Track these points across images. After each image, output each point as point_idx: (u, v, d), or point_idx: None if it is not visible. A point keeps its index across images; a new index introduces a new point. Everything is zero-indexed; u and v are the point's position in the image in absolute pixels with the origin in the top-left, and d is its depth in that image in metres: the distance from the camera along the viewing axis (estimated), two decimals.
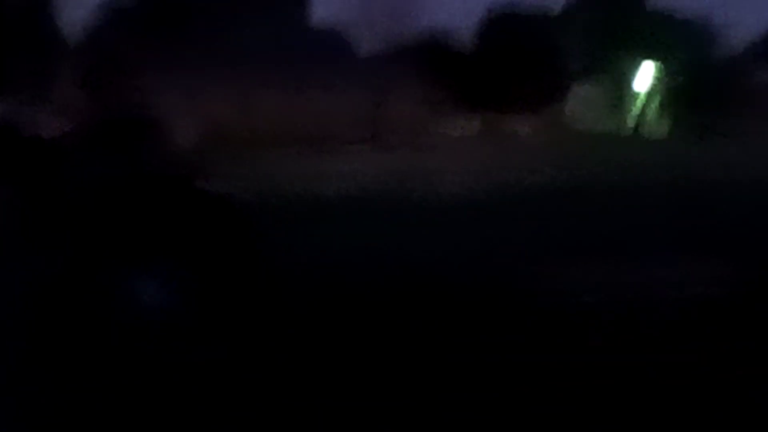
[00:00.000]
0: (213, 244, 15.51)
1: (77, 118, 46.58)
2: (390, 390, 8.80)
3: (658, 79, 53.29)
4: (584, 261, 15.63)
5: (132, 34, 56.31)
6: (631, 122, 53.78)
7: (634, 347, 10.39)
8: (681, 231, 17.98)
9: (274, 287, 13.43)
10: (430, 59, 53.62)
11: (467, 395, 8.83)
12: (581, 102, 55.00)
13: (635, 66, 54.26)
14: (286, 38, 51.62)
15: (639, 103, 54.50)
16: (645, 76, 53.60)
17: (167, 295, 11.63)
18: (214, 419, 8.13)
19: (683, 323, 11.28)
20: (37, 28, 52.88)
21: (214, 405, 8.46)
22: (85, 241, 12.29)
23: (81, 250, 10.34)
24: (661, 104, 53.03)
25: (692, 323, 11.21)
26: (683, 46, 52.55)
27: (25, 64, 49.97)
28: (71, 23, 57.24)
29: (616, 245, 17.10)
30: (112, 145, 39.56)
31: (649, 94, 53.89)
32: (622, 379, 8.97)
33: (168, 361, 9.80)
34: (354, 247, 17.65)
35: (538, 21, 56.95)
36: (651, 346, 10.50)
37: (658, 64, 52.78)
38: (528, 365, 9.45)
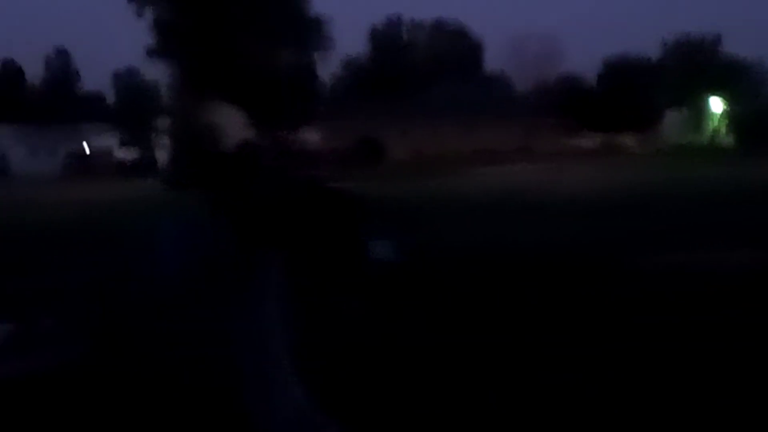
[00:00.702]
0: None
1: (331, 141, 65.04)
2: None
3: (726, 108, 70.87)
4: (679, 248, 16.01)
5: (362, 88, 75.26)
6: (708, 138, 70.93)
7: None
8: (749, 222, 19.19)
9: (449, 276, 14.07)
10: (565, 95, 72.36)
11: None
12: (673, 123, 72.85)
13: (710, 97, 71.86)
14: (463, 88, 70.45)
15: (713, 124, 72.19)
16: (717, 105, 71.53)
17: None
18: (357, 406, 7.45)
19: None
20: (307, 83, 71.58)
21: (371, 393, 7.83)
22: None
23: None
24: (729, 126, 70.17)
25: None
26: (743, 84, 69.18)
27: (297, 105, 68.74)
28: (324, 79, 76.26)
29: (703, 234, 18.00)
30: (354, 161, 56.05)
31: (720, 119, 71.61)
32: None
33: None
34: (510, 234, 19.12)
35: (642, 66, 75.88)
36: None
37: (726, 96, 70.42)
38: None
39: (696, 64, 72.36)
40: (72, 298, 13.88)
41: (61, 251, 21.09)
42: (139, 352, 10.66)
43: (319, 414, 6.31)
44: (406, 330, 10.74)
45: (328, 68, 79.26)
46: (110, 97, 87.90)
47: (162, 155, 68.83)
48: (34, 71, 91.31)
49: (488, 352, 9.20)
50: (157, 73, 72.91)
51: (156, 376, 9.49)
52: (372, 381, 8.38)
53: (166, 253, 16.29)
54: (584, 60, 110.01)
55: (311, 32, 68.29)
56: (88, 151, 74.88)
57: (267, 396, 6.98)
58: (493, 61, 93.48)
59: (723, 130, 71.54)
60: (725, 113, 71.82)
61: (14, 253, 21.29)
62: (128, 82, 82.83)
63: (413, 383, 8.25)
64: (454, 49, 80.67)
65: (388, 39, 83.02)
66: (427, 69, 76.54)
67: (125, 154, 71.92)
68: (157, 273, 15.67)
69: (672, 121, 73.47)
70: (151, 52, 67.36)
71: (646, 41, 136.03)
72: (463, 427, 7.13)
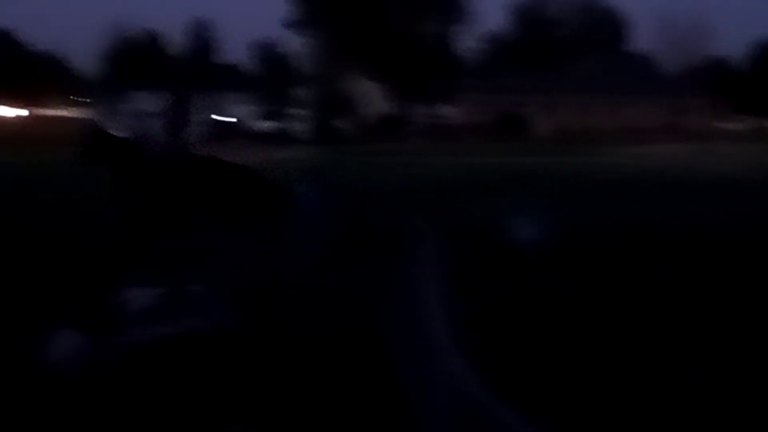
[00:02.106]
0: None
1: (473, 116, 67.23)
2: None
3: None
4: None
5: (506, 62, 76.86)
6: None
7: None
8: None
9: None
10: (714, 77, 70.68)
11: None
12: None
13: None
14: (610, 64, 70.21)
15: None
16: None
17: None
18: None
19: None
20: (449, 57, 73.71)
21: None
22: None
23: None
24: None
25: None
26: None
27: (439, 79, 69.74)
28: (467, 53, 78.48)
29: None
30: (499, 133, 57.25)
31: None
32: None
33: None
34: (655, 213, 19.24)
35: None
36: None
37: None
38: None
39: None
40: (223, 264, 11.44)
41: (207, 215, 19.77)
42: (290, 320, 10.17)
43: (485, 393, 6.04)
44: (555, 308, 10.47)
45: (471, 42, 79.87)
46: (249, 68, 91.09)
47: (297, 125, 72.44)
48: (174, 40, 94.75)
49: (638, 333, 9.08)
50: (295, 44, 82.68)
51: (305, 345, 9.26)
52: (529, 358, 8.17)
53: (306, 218, 14.79)
54: (735, 41, 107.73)
55: (455, 5, 73.90)
56: (225, 119, 76.64)
57: (422, 371, 6.82)
58: (641, 39, 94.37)
59: None
60: None
61: (163, 216, 19.49)
62: (266, 53, 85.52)
63: (573, 360, 8.06)
64: (601, 26, 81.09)
65: (533, 14, 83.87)
66: (572, 45, 76.84)
67: (261, 123, 73.84)
68: (299, 240, 14.20)
69: None
70: (290, 23, 74.66)
71: None
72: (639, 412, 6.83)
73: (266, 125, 73.44)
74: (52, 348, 8.76)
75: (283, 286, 10.97)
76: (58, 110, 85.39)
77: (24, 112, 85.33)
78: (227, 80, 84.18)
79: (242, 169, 17.65)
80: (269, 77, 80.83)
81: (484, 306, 9.93)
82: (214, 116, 77.59)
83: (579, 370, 7.83)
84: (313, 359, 8.76)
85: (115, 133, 12.09)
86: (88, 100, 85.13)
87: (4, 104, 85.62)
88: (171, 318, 9.25)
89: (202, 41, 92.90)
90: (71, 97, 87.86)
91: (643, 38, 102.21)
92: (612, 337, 9.18)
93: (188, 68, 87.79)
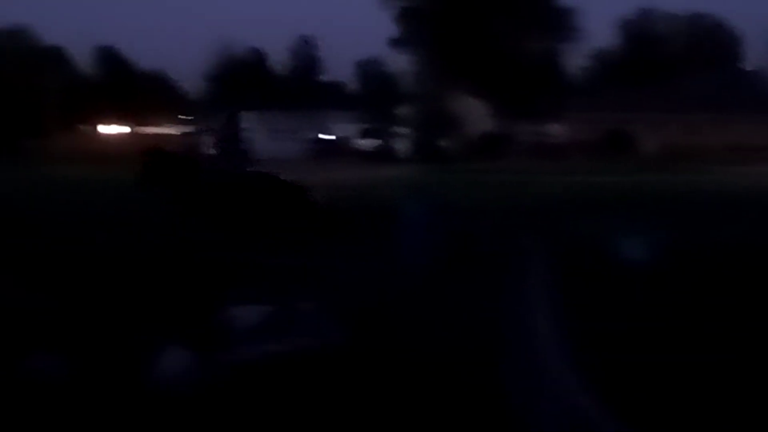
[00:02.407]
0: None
1: (579, 133, 67.17)
2: None
3: None
4: None
5: (612, 80, 76.35)
6: None
7: None
8: None
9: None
10: None
11: None
12: None
13: None
14: (718, 81, 69.15)
15: None
16: None
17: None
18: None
19: None
20: (555, 74, 73.61)
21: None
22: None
23: None
24: None
25: None
26: None
27: (545, 97, 70.10)
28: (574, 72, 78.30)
29: None
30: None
31: None
32: None
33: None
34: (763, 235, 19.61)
35: None
36: None
37: None
38: None
39: None
40: (328, 282, 13.90)
41: (309, 235, 21.04)
42: (397, 338, 10.73)
43: (594, 409, 5.90)
44: (661, 325, 10.65)
45: (578, 59, 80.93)
46: (352, 86, 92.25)
47: (400, 143, 74.57)
48: (279, 59, 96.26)
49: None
50: (399, 62, 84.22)
51: (414, 362, 9.56)
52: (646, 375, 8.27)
53: (411, 237, 16.60)
54: None
55: (560, 22, 75.36)
56: (328, 137, 78.60)
57: (531, 386, 6.81)
58: (752, 55, 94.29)
59: None
60: None
61: (269, 234, 21.05)
62: (370, 72, 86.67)
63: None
64: (710, 42, 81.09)
65: (641, 30, 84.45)
66: (681, 62, 76.76)
67: (364, 141, 75.61)
68: (404, 259, 15.92)
69: None
70: (395, 42, 76.55)
71: None
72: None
73: (370, 143, 74.80)
74: (161, 365, 9.36)
75: (391, 305, 12.54)
76: (162, 128, 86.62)
77: (126, 130, 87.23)
78: (331, 98, 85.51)
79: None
80: (373, 95, 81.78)
81: (590, 322, 9.97)
82: (318, 134, 79.23)
83: (689, 388, 7.90)
84: (422, 376, 9.01)
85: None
86: (192, 118, 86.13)
87: (108, 122, 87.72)
88: (279, 336, 10.21)
89: (307, 60, 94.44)
90: (175, 115, 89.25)
91: (755, 54, 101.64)
92: (722, 353, 9.30)
93: (293, 87, 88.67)
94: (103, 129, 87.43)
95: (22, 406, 8.75)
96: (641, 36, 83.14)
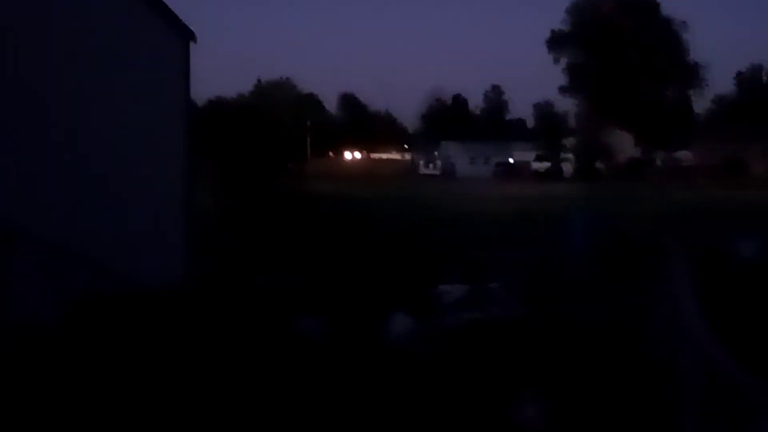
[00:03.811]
0: None
1: (703, 159, 73.42)
2: None
3: None
4: None
5: (730, 118, 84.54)
6: None
7: None
8: None
9: None
10: None
11: None
12: None
13: None
14: None
15: None
16: None
17: None
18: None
19: None
20: (685, 113, 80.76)
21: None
22: None
23: None
24: None
25: None
26: None
27: (677, 131, 76.76)
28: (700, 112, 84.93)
29: None
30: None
31: None
32: None
33: None
34: None
35: None
36: None
37: None
38: None
39: None
40: (512, 269, 15.02)
41: (499, 232, 24.43)
42: (566, 313, 11.67)
43: (730, 363, 6.18)
44: None
45: (703, 102, 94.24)
46: (530, 123, 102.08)
47: (566, 166, 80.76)
48: (476, 102, 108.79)
49: None
50: (567, 105, 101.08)
51: (578, 328, 10.63)
52: None
53: (577, 235, 17.93)
54: None
55: (691, 75, 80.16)
56: (512, 162, 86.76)
57: (679, 344, 7.35)
58: None
59: None
60: None
61: (468, 233, 24.43)
62: (544, 111, 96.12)
63: None
64: None
65: (751, 81, 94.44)
66: None
67: (539, 165, 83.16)
68: (572, 252, 17.33)
69: None
70: (564, 89, 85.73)
71: None
72: None
73: (543, 166, 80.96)
74: (393, 327, 11.29)
75: (562, 288, 14.44)
76: (386, 154, 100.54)
77: (359, 155, 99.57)
78: (514, 132, 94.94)
79: None
80: (546, 129, 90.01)
81: (723, 310, 10.73)
82: (504, 159, 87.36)
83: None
84: (585, 338, 10.15)
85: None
86: (408, 147, 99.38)
87: (349, 150, 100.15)
88: (477, 307, 12.03)
89: (496, 102, 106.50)
90: (398, 145, 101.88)
91: None
92: None
93: (485, 123, 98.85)
94: (347, 155, 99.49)
95: (291, 354, 10.46)
96: (752, 85, 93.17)
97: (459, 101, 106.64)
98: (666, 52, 77.62)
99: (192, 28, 16.45)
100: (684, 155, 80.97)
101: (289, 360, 10.54)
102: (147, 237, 15.73)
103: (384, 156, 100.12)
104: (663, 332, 8.75)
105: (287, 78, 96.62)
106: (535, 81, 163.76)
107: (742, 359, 6.36)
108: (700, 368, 6.74)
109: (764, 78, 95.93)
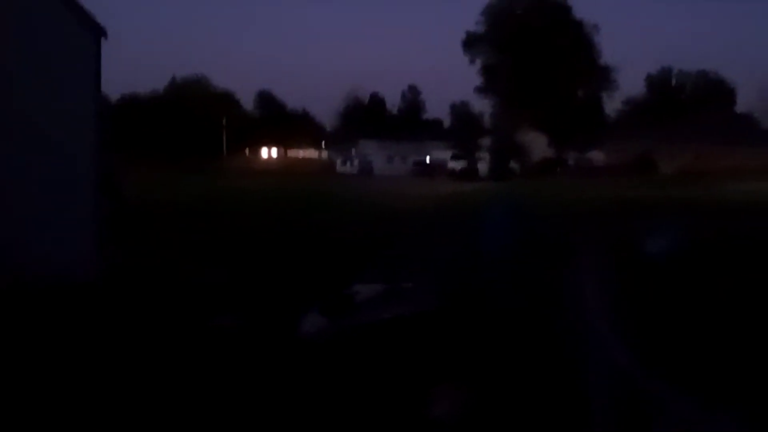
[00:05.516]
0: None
1: (613, 159, 75.80)
2: None
3: None
4: None
5: (639, 120, 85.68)
6: None
7: None
8: None
9: None
10: None
11: None
12: None
13: None
14: (723, 123, 78.18)
15: None
16: None
17: None
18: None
19: None
20: (597, 114, 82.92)
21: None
22: None
23: None
24: None
25: None
26: None
27: (589, 131, 78.83)
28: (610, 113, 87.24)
29: None
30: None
31: None
32: None
33: None
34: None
35: None
36: None
37: None
38: None
39: None
40: (427, 265, 14.79)
41: (415, 229, 24.00)
42: (475, 311, 11.66)
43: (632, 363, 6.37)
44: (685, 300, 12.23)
45: (614, 104, 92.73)
46: (447, 122, 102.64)
47: (481, 165, 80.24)
48: (393, 101, 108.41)
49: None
50: (482, 106, 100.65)
51: (490, 323, 10.63)
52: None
53: (493, 233, 17.48)
54: None
55: (602, 77, 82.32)
56: (429, 161, 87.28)
57: (583, 337, 7.35)
58: (743, 101, 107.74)
59: None
60: None
61: (383, 230, 23.66)
62: (461, 111, 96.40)
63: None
64: (713, 92, 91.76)
65: (662, 83, 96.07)
66: (690, 106, 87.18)
67: (456, 164, 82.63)
68: (488, 247, 16.62)
69: None
70: (479, 90, 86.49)
71: None
72: None
73: (459, 165, 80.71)
74: (306, 325, 11.35)
75: (472, 282, 13.98)
76: (304, 152, 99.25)
77: (275, 153, 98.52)
78: (431, 131, 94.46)
79: None
80: (462, 129, 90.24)
81: (631, 301, 11.09)
82: (421, 158, 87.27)
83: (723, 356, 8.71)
84: (497, 338, 10.15)
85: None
86: (326, 145, 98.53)
87: (265, 147, 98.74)
88: (390, 305, 11.87)
89: (413, 102, 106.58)
90: (315, 142, 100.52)
91: (746, 101, 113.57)
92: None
93: (402, 122, 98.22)
94: (263, 152, 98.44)
95: (211, 348, 10.38)
96: (661, 87, 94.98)
97: (376, 100, 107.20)
98: (578, 54, 78.94)
99: (104, 25, 16.32)
100: (595, 155, 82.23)
101: (196, 356, 10.51)
102: (54, 235, 15.54)
103: (301, 154, 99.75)
104: (572, 327, 8.86)
105: (202, 75, 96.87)
106: (451, 81, 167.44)
107: (646, 355, 6.56)
108: (605, 364, 6.97)
109: (673, 80, 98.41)
